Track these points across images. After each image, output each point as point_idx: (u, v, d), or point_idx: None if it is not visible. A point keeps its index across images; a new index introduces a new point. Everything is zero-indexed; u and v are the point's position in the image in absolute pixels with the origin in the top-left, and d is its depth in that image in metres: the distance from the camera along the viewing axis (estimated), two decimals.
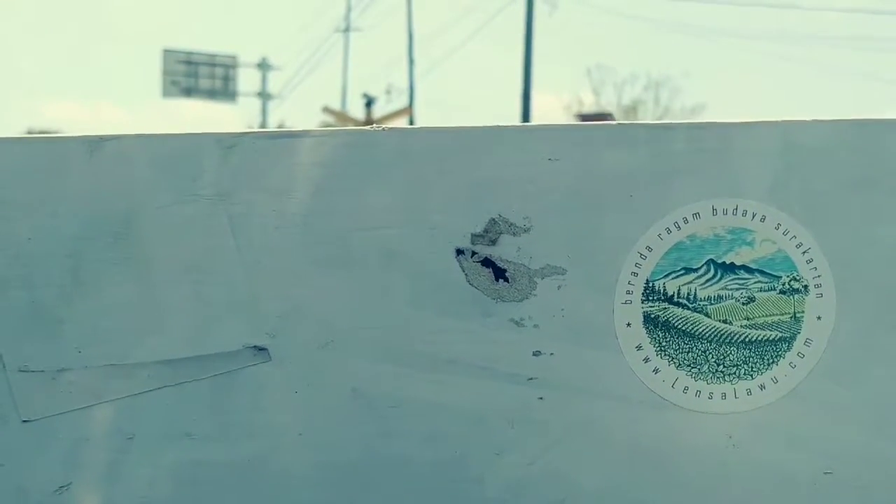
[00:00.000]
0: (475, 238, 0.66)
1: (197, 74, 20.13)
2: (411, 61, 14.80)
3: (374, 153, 0.67)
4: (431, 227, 0.67)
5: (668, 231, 0.66)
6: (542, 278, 0.66)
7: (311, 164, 0.67)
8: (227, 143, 0.67)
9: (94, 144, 0.67)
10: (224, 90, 20.37)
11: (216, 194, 0.67)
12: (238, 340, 0.68)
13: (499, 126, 0.67)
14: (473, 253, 0.66)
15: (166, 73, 19.87)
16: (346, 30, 18.05)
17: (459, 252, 0.66)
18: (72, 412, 0.69)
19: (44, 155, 0.68)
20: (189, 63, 20.12)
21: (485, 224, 0.66)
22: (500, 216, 0.66)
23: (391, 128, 0.68)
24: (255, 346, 0.68)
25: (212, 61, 20.40)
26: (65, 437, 0.69)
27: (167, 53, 20.02)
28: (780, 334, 0.67)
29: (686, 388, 0.67)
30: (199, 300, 0.68)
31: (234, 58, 20.81)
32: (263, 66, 20.95)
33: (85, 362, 0.68)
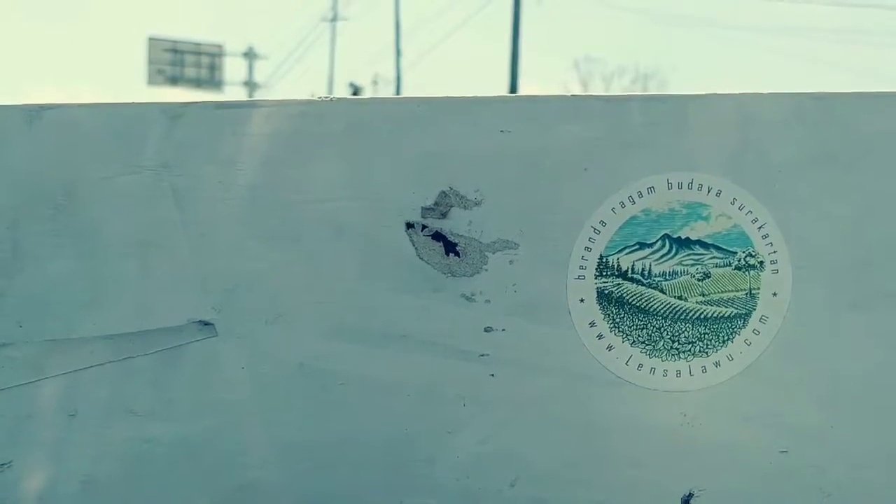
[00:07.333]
0: (425, 211, 0.65)
1: (183, 63, 19.96)
2: (398, 51, 14.73)
3: (323, 124, 0.65)
4: (381, 200, 0.65)
5: (623, 205, 0.65)
6: (494, 252, 0.65)
7: (259, 134, 0.65)
8: (173, 112, 0.66)
9: (34, 113, 0.65)
10: (210, 79, 20.20)
11: (161, 165, 0.66)
12: (183, 315, 0.66)
13: (450, 97, 0.65)
14: (424, 227, 0.65)
15: (152, 61, 19.69)
16: (334, 19, 17.95)
17: (410, 225, 0.65)
18: (13, 388, 0.67)
19: None
20: (175, 51, 19.95)
21: (435, 197, 0.65)
22: (450, 189, 0.65)
23: (340, 98, 0.66)
24: (200, 321, 0.66)
25: (198, 50, 20.23)
26: (5, 413, 0.67)
27: (152, 42, 19.84)
28: (735, 311, 0.66)
29: (640, 366, 0.66)
30: (144, 274, 0.66)
31: (220, 46, 20.65)
32: (250, 55, 20.81)
33: (26, 337, 0.67)
